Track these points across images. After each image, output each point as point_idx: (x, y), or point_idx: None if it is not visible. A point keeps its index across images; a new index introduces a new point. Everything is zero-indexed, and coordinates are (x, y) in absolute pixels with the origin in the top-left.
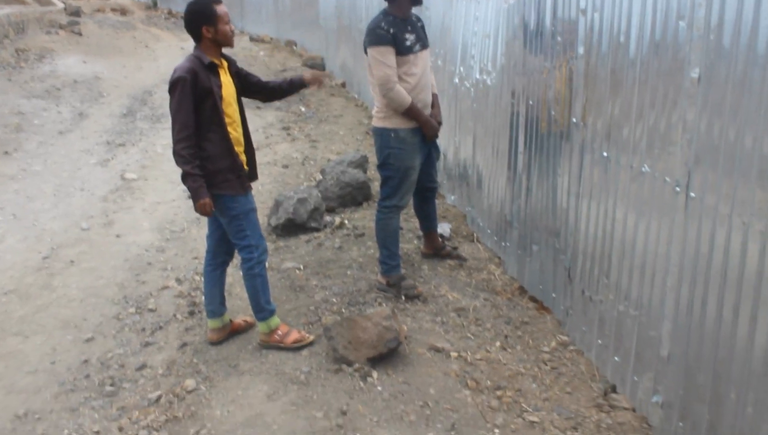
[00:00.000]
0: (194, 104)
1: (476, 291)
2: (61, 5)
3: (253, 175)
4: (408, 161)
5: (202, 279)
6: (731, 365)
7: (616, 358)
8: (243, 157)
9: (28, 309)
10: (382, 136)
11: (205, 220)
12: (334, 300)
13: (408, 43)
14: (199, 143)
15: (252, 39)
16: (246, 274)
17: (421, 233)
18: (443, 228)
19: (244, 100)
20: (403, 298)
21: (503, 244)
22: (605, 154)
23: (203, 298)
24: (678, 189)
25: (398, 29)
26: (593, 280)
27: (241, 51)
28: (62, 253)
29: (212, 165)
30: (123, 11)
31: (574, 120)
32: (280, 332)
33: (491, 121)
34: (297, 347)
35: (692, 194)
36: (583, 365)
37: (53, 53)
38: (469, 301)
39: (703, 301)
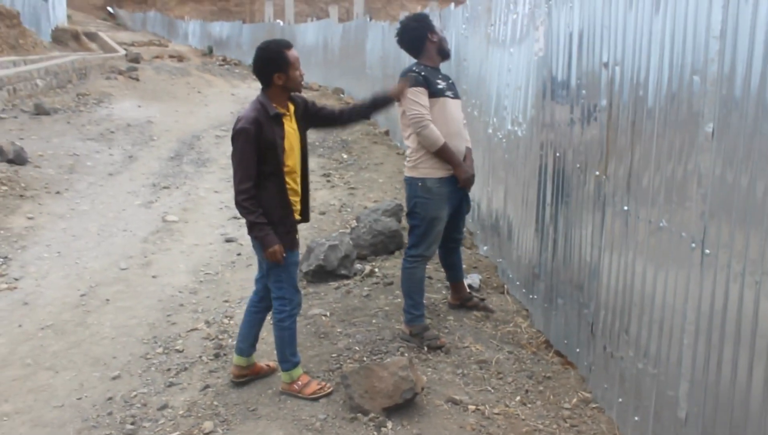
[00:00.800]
0: (258, 155)
1: (501, 343)
2: (122, 52)
3: (305, 217)
4: (434, 211)
5: (236, 320)
6: (746, 427)
7: (636, 418)
8: (298, 207)
9: (62, 344)
10: (410, 185)
11: (239, 264)
12: (357, 348)
13: (440, 86)
14: (258, 193)
15: None
16: (276, 324)
17: (448, 284)
18: (473, 279)
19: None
20: (426, 348)
21: (531, 296)
22: (626, 207)
23: (236, 336)
24: (693, 245)
25: (430, 74)
26: (614, 335)
27: None
28: (100, 291)
29: (265, 215)
30: (180, 58)
31: (597, 172)
32: (300, 383)
33: (521, 172)
34: (315, 398)
35: (707, 251)
36: (604, 424)
37: (111, 97)
38: (493, 354)
39: (718, 361)
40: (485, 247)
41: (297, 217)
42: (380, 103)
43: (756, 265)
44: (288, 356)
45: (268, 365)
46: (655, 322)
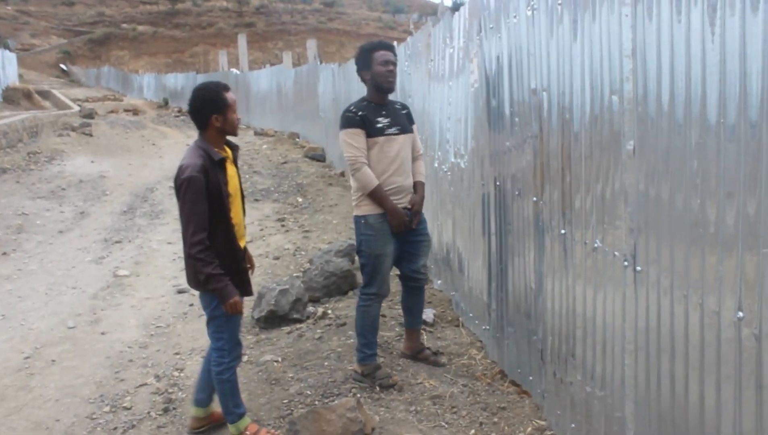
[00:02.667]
0: (207, 204)
1: (455, 377)
2: (76, 108)
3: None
4: (378, 248)
5: (186, 372)
6: None
7: None
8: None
9: (1, 411)
10: (356, 223)
11: (191, 315)
12: (309, 392)
13: (379, 125)
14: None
15: (256, 133)
16: (215, 377)
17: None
18: (426, 314)
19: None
20: (378, 388)
21: (484, 327)
22: (563, 231)
23: (187, 388)
24: (626, 263)
25: (369, 112)
26: (562, 360)
27: (245, 145)
28: (45, 352)
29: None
30: (135, 111)
31: (534, 198)
32: (248, 433)
33: (466, 203)
34: None
35: (638, 268)
36: None
37: (63, 154)
38: (447, 388)
39: (658, 377)
40: (439, 281)
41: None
42: None
43: (682, 278)
44: (231, 408)
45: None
46: (598, 344)
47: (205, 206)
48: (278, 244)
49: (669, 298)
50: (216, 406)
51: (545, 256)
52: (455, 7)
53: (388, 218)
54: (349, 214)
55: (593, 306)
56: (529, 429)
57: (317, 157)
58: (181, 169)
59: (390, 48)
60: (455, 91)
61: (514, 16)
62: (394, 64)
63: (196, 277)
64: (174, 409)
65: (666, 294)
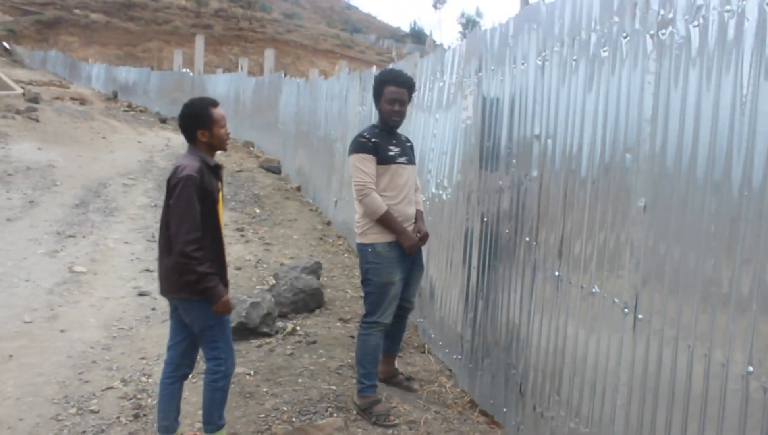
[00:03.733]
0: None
1: (427, 404)
2: (20, 90)
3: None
4: (386, 277)
5: (155, 378)
6: None
7: None
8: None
9: None
10: (362, 252)
11: (154, 319)
12: (285, 408)
13: (391, 153)
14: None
15: None
16: (209, 385)
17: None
18: None
19: None
20: (374, 423)
21: (455, 356)
22: (557, 272)
23: (157, 411)
24: (626, 310)
25: (382, 140)
26: (545, 395)
27: None
28: (1, 346)
29: None
30: (82, 101)
31: (527, 239)
32: None
33: (446, 234)
34: None
35: (640, 316)
36: None
37: (8, 138)
38: (420, 414)
39: (652, 421)
40: None
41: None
42: None
43: (688, 330)
44: (215, 419)
45: (195, 434)
46: (588, 383)
47: (199, 207)
48: (239, 254)
49: (672, 348)
50: (183, 428)
51: (535, 295)
52: (414, 34)
53: (400, 241)
54: (310, 230)
55: (585, 347)
56: None
57: (273, 168)
58: (178, 169)
59: (403, 84)
60: (442, 123)
61: (522, 63)
62: (402, 102)
63: (182, 281)
64: (145, 416)
65: (669, 344)
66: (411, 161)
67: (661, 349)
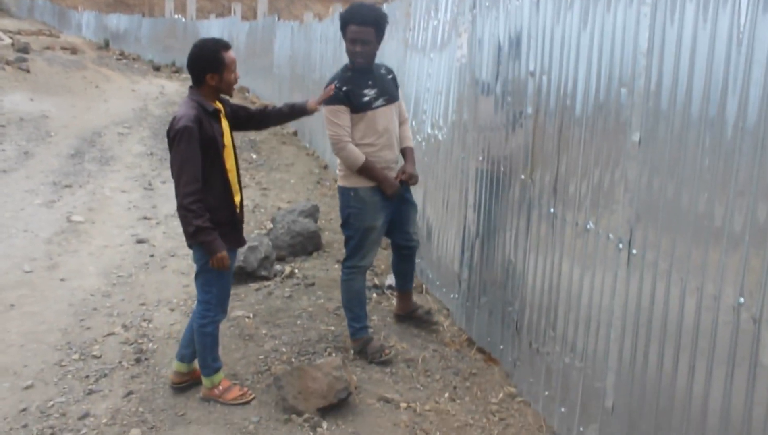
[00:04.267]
0: (201, 154)
1: (425, 342)
2: (8, 40)
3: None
4: (368, 221)
5: (155, 324)
6: (671, 415)
7: (562, 410)
8: (238, 206)
9: None
10: (343, 195)
11: (153, 266)
12: (284, 349)
13: (366, 98)
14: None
15: None
16: (197, 329)
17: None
18: (390, 279)
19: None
20: (371, 362)
21: (452, 295)
22: (552, 210)
23: (157, 340)
24: (620, 246)
25: (354, 85)
26: (540, 332)
27: None
28: (2, 295)
29: (212, 216)
30: (74, 50)
31: (522, 177)
32: (221, 387)
33: (441, 175)
34: (236, 404)
35: (634, 251)
36: (530, 416)
37: None
38: (418, 352)
39: (644, 353)
40: None
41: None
42: (297, 113)
43: (681, 264)
44: (209, 362)
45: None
46: (582, 319)
47: (199, 157)
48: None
49: (665, 282)
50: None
51: (531, 233)
52: None
53: (382, 188)
54: (307, 174)
55: (580, 283)
56: (501, 395)
57: None
58: (174, 120)
59: (364, 22)
60: (437, 63)
61: (517, 0)
62: (365, 42)
63: (185, 230)
64: (146, 359)
65: (662, 278)
66: (392, 98)
67: (654, 284)
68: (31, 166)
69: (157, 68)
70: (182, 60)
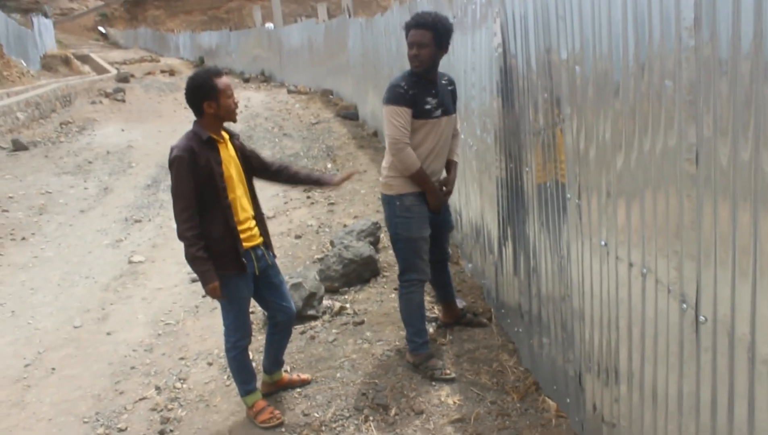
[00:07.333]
0: (195, 183)
1: (482, 391)
2: (114, 72)
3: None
4: (416, 231)
5: (189, 384)
6: None
7: None
8: (255, 230)
9: None
10: (389, 205)
11: (203, 308)
12: (316, 414)
13: (428, 106)
14: (201, 224)
15: (290, 91)
16: (225, 354)
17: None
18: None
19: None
20: (431, 380)
21: (515, 329)
22: (602, 243)
23: (186, 403)
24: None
25: (420, 90)
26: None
27: (277, 104)
28: (47, 358)
29: (215, 247)
30: (171, 72)
31: (569, 195)
32: (254, 409)
33: (487, 183)
34: (265, 426)
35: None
36: None
37: (95, 124)
38: (472, 408)
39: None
40: (470, 265)
41: (257, 241)
42: (314, 182)
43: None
44: (239, 384)
45: (298, 376)
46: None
47: (191, 184)
48: (301, 219)
49: None
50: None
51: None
52: None
53: (428, 198)
54: (378, 181)
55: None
56: None
57: (350, 115)
58: (170, 151)
59: (419, 26)
60: (478, 54)
61: None
62: (421, 45)
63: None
64: (171, 431)
65: None
66: (448, 111)
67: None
68: (108, 202)
69: (246, 80)
70: (270, 69)
